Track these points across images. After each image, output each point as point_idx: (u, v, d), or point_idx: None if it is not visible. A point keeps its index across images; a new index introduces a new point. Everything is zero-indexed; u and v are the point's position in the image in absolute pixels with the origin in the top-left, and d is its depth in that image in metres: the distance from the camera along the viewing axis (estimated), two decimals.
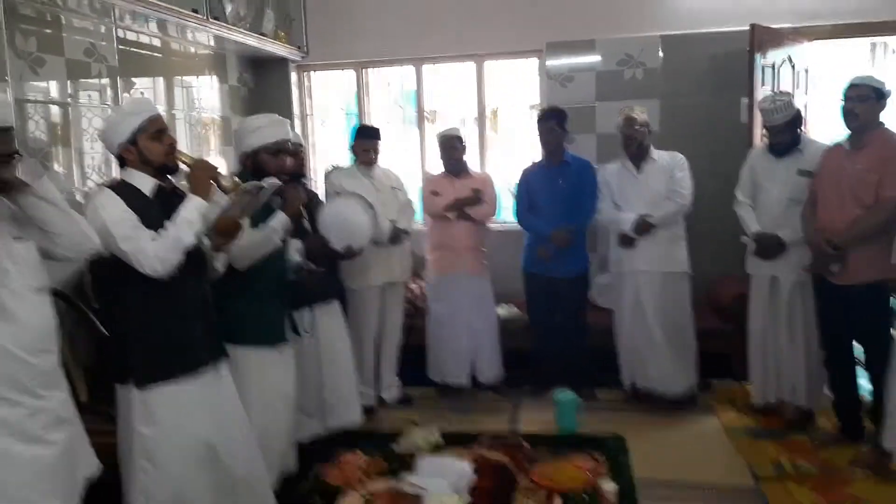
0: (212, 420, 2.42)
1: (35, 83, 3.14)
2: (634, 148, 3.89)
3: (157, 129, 2.29)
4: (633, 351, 4.03)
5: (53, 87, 3.27)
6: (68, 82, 3.34)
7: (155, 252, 2.16)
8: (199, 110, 4.48)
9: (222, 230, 2.34)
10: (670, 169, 3.88)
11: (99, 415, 2.76)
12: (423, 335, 4.43)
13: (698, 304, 4.11)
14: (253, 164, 2.93)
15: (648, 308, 3.89)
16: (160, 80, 4.13)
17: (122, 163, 2.33)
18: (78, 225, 2.03)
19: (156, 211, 2.26)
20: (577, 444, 3.54)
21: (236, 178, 2.41)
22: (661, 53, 4.76)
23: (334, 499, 3.05)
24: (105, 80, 3.57)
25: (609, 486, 2.96)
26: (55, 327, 2.02)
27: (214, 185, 2.32)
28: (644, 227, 3.84)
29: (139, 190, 2.29)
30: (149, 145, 2.27)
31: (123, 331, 2.32)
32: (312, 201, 3.59)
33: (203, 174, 2.29)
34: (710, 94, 4.71)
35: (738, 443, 3.54)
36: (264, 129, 2.97)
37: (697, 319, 4.02)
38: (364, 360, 4.09)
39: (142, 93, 3.96)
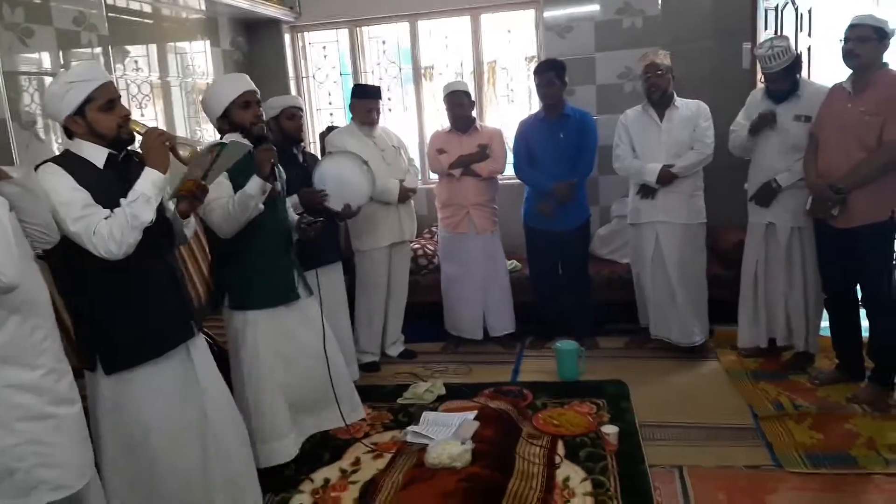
0: (185, 400, 2.33)
1: (25, 55, 3.14)
2: (658, 96, 3.80)
3: (107, 99, 2.09)
4: (652, 301, 4.01)
5: (45, 58, 3.26)
6: (60, 52, 3.33)
7: (110, 232, 2.00)
8: (194, 76, 4.46)
9: (185, 193, 2.21)
10: (695, 118, 3.79)
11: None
12: (428, 292, 4.49)
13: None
14: (230, 126, 2.80)
15: (669, 259, 3.86)
16: (153, 48, 4.11)
17: (69, 134, 2.14)
18: (49, 218, 1.92)
19: (110, 184, 2.08)
20: (578, 391, 3.61)
21: (193, 146, 2.22)
22: (660, 0, 4.67)
23: (342, 452, 3.14)
24: (97, 50, 3.56)
25: (611, 430, 3.01)
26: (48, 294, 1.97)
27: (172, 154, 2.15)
28: (667, 176, 3.78)
29: (90, 162, 2.10)
30: (98, 117, 2.08)
31: (86, 315, 2.17)
32: (310, 164, 3.60)
33: (158, 143, 2.10)
34: (711, 40, 4.64)
35: (738, 385, 3.58)
36: (225, 87, 2.83)
37: None
38: (373, 322, 4.15)
39: (136, 61, 3.95)
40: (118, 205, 2.06)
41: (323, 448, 3.14)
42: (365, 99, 3.99)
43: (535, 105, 4.73)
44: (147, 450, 2.25)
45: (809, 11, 4.52)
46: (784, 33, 4.18)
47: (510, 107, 5.24)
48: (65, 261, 2.12)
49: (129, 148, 2.23)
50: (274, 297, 2.85)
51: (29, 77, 3.15)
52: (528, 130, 4.16)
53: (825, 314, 3.58)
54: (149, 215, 2.07)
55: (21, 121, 3.05)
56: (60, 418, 1.83)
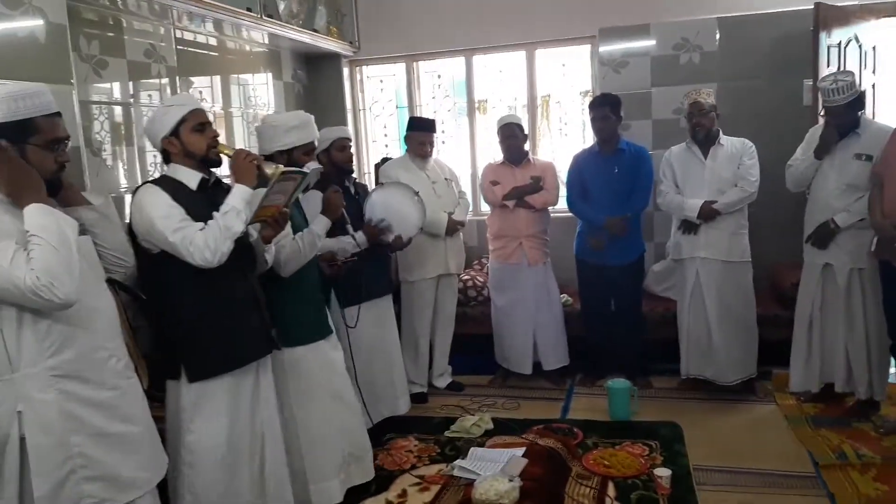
0: (256, 414, 2.44)
1: (98, 85, 3.28)
2: (703, 135, 3.78)
3: (198, 122, 2.30)
4: (690, 339, 3.95)
5: (116, 89, 3.40)
6: (130, 83, 3.47)
7: (205, 242, 2.16)
8: (255, 107, 4.59)
9: (267, 218, 2.35)
10: (739, 155, 3.76)
11: (156, 401, 2.88)
12: (477, 324, 4.47)
13: (760, 291, 4.02)
14: (287, 163, 2.88)
15: (708, 296, 3.81)
16: (217, 79, 4.25)
17: (166, 158, 2.36)
18: (125, 244, 2.10)
19: (201, 204, 2.26)
20: (630, 432, 3.53)
21: (279, 165, 2.38)
22: (718, 36, 4.63)
23: (388, 483, 3.13)
24: (164, 80, 3.70)
25: (664, 473, 2.93)
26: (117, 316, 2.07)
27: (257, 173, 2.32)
28: (709, 213, 3.74)
29: (184, 184, 2.29)
30: (191, 138, 2.29)
31: (174, 326, 2.32)
32: (361, 195, 3.64)
33: (245, 162, 2.29)
34: (770, 76, 4.56)
35: (797, 430, 3.45)
36: (301, 130, 3.00)
37: (758, 306, 3.93)
38: (419, 349, 4.16)
39: (200, 91, 4.09)
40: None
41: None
42: (419, 132, 4.05)
43: (589, 139, 4.72)
44: (215, 461, 2.33)
45: (874, 49, 4.42)
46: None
47: (563, 140, 5.24)
48: (154, 275, 2.28)
49: (216, 174, 2.40)
50: (318, 331, 2.90)
51: (100, 106, 3.29)
52: (581, 164, 4.15)
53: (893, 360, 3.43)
54: (240, 226, 2.22)
55: (92, 148, 3.19)
56: (115, 435, 1.88)
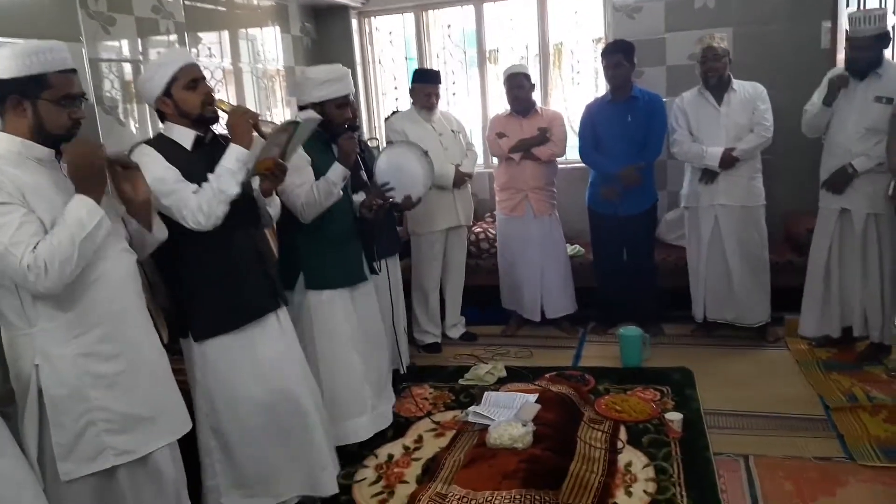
0: (271, 371, 2.43)
1: (107, 42, 3.27)
2: (715, 80, 3.73)
3: (191, 79, 2.23)
4: (707, 284, 3.96)
5: (125, 46, 3.40)
6: (138, 40, 3.46)
7: (198, 205, 2.13)
8: (264, 62, 4.57)
9: (265, 172, 2.29)
10: (753, 100, 3.72)
11: (175, 354, 2.95)
12: (489, 275, 4.50)
13: (774, 238, 4.02)
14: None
15: (727, 241, 3.82)
16: (225, 34, 4.22)
17: (161, 117, 2.31)
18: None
19: (197, 164, 2.23)
20: (642, 378, 3.58)
21: (276, 123, 2.35)
22: None
23: (405, 429, 3.21)
24: (173, 37, 3.69)
25: (675, 417, 2.98)
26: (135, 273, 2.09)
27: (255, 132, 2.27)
28: (729, 160, 3.71)
29: (179, 144, 2.26)
30: (183, 96, 2.23)
31: (178, 286, 2.33)
32: (364, 152, 3.62)
33: (242, 120, 2.23)
34: (787, 19, 4.44)
35: (809, 375, 3.48)
36: (333, 84, 2.98)
37: (772, 253, 3.93)
38: (429, 301, 4.21)
39: (208, 48, 4.07)
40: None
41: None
42: (424, 83, 4.03)
43: (602, 88, 4.66)
44: (235, 413, 2.38)
45: None
46: None
47: (576, 89, 5.17)
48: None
49: (213, 132, 2.36)
50: (349, 277, 2.96)
51: (110, 64, 3.29)
52: (594, 113, 4.10)
53: None
54: (234, 189, 2.19)
55: (105, 106, 3.20)
56: (133, 389, 1.94)
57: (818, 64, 4.12)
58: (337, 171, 2.76)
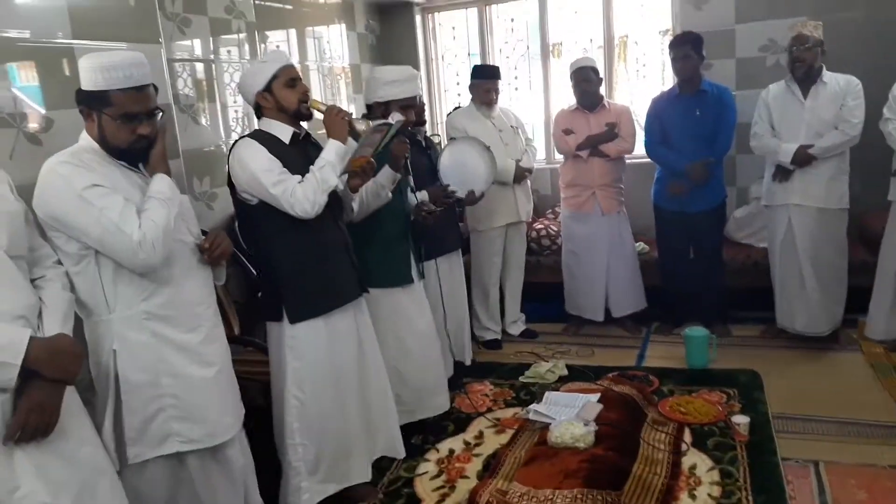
0: (356, 351, 2.60)
1: (182, 42, 3.39)
2: (803, 72, 3.54)
3: (290, 78, 2.41)
4: (779, 288, 3.83)
5: (198, 46, 3.51)
6: (211, 39, 3.58)
7: (304, 194, 2.28)
8: (330, 60, 4.65)
9: (357, 169, 2.44)
10: (842, 95, 3.50)
11: (247, 346, 3.06)
12: (551, 273, 4.47)
13: (849, 237, 3.83)
14: (383, 114, 3.00)
15: (800, 244, 3.64)
16: (293, 33, 4.32)
17: (259, 113, 2.48)
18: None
19: (294, 157, 2.38)
20: (707, 380, 3.51)
21: (368, 121, 2.48)
22: None
23: (465, 425, 3.23)
24: (243, 35, 3.80)
25: (741, 420, 2.92)
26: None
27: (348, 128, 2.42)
28: (804, 158, 3.54)
29: (277, 138, 2.41)
30: (283, 93, 2.40)
31: (273, 272, 2.45)
32: (430, 149, 3.62)
33: (338, 119, 2.39)
34: (866, 7, 4.25)
35: (885, 380, 3.34)
36: (400, 84, 3.06)
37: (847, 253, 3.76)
38: (490, 297, 4.21)
39: (277, 45, 4.17)
40: (302, 175, 2.34)
41: (447, 419, 3.25)
42: (483, 79, 4.03)
43: (669, 81, 4.57)
44: (321, 394, 2.50)
45: None
46: None
47: (641, 83, 5.08)
48: (253, 224, 2.46)
49: (306, 129, 2.53)
50: (393, 278, 3.01)
51: (184, 63, 3.41)
52: (661, 107, 4.01)
53: None
54: (335, 180, 2.36)
55: (181, 105, 3.32)
56: (203, 379, 2.02)
57: None
58: (387, 175, 2.80)
